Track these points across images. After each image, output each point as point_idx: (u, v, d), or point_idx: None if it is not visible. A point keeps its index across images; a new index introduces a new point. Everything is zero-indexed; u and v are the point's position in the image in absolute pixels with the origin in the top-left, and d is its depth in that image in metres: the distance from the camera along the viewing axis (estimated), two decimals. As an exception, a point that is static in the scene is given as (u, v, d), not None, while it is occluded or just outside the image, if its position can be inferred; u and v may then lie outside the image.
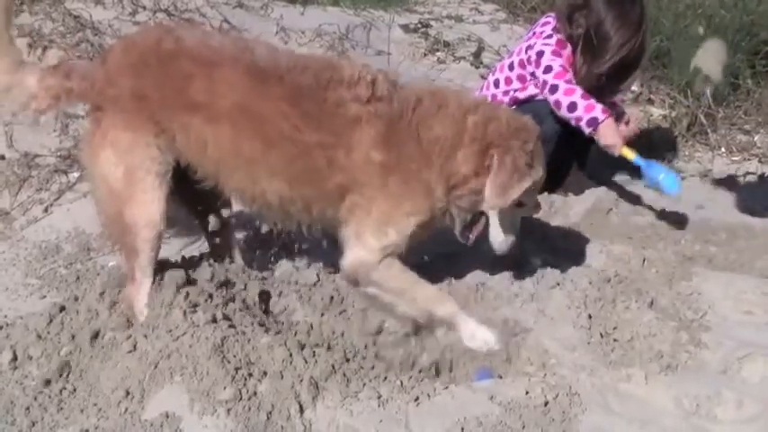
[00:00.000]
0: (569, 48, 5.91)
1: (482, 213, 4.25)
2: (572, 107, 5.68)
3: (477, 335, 4.11)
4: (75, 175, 5.71)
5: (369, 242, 4.02)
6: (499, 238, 4.29)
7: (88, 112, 4.21)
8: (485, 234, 4.31)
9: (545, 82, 5.80)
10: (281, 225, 4.24)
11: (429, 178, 4.00)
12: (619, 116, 6.42)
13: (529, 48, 6.00)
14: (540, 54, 5.88)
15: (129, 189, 3.97)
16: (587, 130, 5.70)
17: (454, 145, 4.02)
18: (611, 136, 5.69)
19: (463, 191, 4.09)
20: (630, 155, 5.73)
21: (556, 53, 5.87)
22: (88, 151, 4.12)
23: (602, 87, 6.02)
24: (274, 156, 3.91)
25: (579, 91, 5.71)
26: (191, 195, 4.29)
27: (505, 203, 4.12)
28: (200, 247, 4.86)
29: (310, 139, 3.87)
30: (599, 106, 5.67)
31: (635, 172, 6.92)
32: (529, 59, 5.95)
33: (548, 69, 5.80)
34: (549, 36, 5.96)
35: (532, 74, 5.96)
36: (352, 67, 4.07)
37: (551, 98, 5.77)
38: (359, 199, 3.99)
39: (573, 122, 5.73)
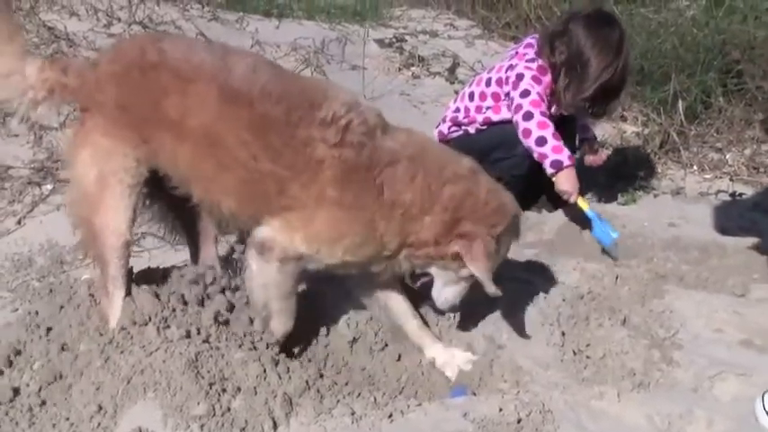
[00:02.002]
0: (549, 75, 5.92)
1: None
2: (541, 141, 5.70)
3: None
4: (49, 187, 5.69)
5: (296, 241, 3.88)
6: (441, 299, 4.20)
7: (76, 113, 4.17)
8: (430, 285, 4.23)
9: (519, 105, 5.78)
10: (235, 231, 4.22)
11: (383, 230, 3.90)
12: (590, 142, 6.49)
13: (510, 68, 5.99)
14: (520, 77, 5.87)
15: (99, 194, 3.95)
16: (549, 171, 5.73)
17: (422, 211, 3.92)
18: (570, 183, 5.73)
19: (418, 252, 4.01)
20: (584, 205, 5.79)
21: (536, 79, 5.87)
22: (70, 149, 4.11)
23: (587, 112, 6.07)
24: (226, 178, 3.88)
25: (551, 128, 5.73)
26: (175, 204, 4.28)
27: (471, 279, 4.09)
28: (177, 257, 4.84)
29: (265, 168, 3.81)
30: (566, 151, 5.71)
31: (607, 189, 7.00)
32: (507, 80, 5.95)
33: (525, 93, 5.80)
34: (532, 60, 5.96)
35: (507, 94, 5.95)
36: (331, 105, 3.91)
37: (522, 124, 5.75)
38: (301, 214, 3.88)
39: (535, 156, 5.75)
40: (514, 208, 4.13)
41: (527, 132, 5.74)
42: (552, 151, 5.66)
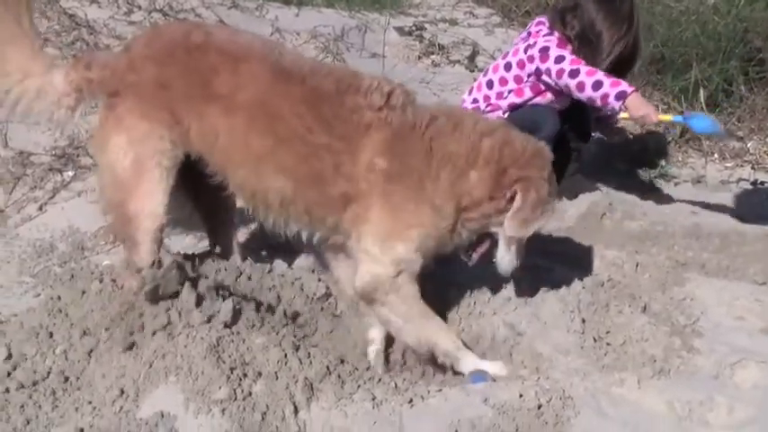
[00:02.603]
0: (570, 47, 5.90)
1: (488, 234, 4.20)
2: (597, 85, 5.58)
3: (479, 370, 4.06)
4: (70, 173, 5.71)
5: (377, 256, 3.96)
6: (505, 260, 4.21)
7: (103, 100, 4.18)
8: (488, 255, 4.25)
9: (562, 70, 5.68)
10: (279, 228, 4.19)
11: (434, 193, 3.94)
12: (606, 121, 6.47)
13: (529, 47, 5.94)
14: (545, 49, 5.80)
15: (135, 179, 3.98)
16: (617, 105, 5.60)
17: (469, 164, 3.98)
18: (642, 106, 5.66)
19: (474, 214, 4.03)
20: (667, 117, 5.77)
21: (561, 45, 5.84)
22: (99, 136, 4.14)
23: None
24: (283, 153, 3.91)
25: (600, 71, 5.64)
26: (197, 191, 4.29)
27: (527, 234, 4.10)
28: (198, 244, 4.86)
29: (320, 141, 3.87)
30: (624, 82, 5.61)
31: (628, 177, 6.97)
32: (531, 58, 5.87)
33: (560, 59, 5.71)
34: (549, 33, 5.94)
35: (534, 73, 5.90)
36: (372, 78, 4.07)
37: (573, 82, 5.64)
38: (361, 210, 3.94)
39: (599, 102, 5.64)
40: (550, 153, 4.21)
41: (581, 86, 5.62)
42: (612, 86, 5.55)
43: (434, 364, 4.13)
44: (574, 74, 5.67)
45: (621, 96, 5.55)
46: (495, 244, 4.19)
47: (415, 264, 4.00)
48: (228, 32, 4.21)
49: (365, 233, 3.97)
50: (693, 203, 6.57)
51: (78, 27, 7.04)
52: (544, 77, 5.83)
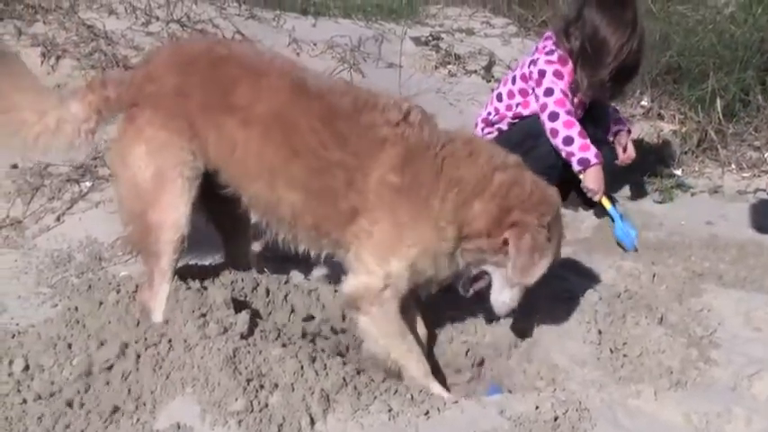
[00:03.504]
0: (570, 64, 5.96)
1: (486, 271, 4.17)
2: (568, 141, 5.79)
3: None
4: (88, 184, 5.73)
5: (371, 267, 3.95)
6: (498, 302, 4.17)
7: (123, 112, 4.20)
8: (486, 291, 4.20)
9: (545, 105, 5.88)
10: (288, 244, 4.20)
11: (439, 213, 3.92)
12: (622, 134, 6.46)
13: (532, 63, 6.09)
14: (542, 73, 5.96)
15: (157, 190, 3.99)
16: (576, 168, 5.82)
17: (475, 193, 3.95)
18: (596, 182, 5.81)
19: (471, 245, 4.01)
20: (607, 204, 5.81)
21: (558, 74, 5.93)
22: (118, 147, 4.15)
23: (605, 93, 6.08)
24: (296, 167, 3.92)
25: (578, 127, 5.80)
26: (213, 203, 4.30)
27: (531, 282, 4.04)
28: (215, 255, 4.86)
29: (333, 157, 3.88)
30: (593, 149, 5.77)
31: (645, 187, 6.97)
32: (530, 75, 6.04)
33: (548, 92, 5.89)
34: (551, 52, 6.02)
35: (533, 89, 6.02)
36: (390, 96, 4.10)
37: (548, 125, 5.85)
38: (366, 224, 3.94)
39: (563, 154, 5.83)
40: (558, 199, 4.17)
41: (554, 132, 5.83)
42: (579, 149, 5.73)
43: (396, 377, 4.10)
44: (552, 117, 5.85)
45: (584, 164, 5.77)
46: (490, 286, 4.17)
47: (403, 281, 3.98)
48: (252, 49, 4.26)
49: (364, 245, 3.95)
50: (710, 214, 6.54)
51: (96, 38, 7.08)
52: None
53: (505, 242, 3.94)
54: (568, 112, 5.81)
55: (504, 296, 4.13)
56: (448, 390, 4.15)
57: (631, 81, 6.33)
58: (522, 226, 3.93)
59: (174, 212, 3.99)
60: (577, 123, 5.82)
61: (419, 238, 3.92)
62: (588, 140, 5.78)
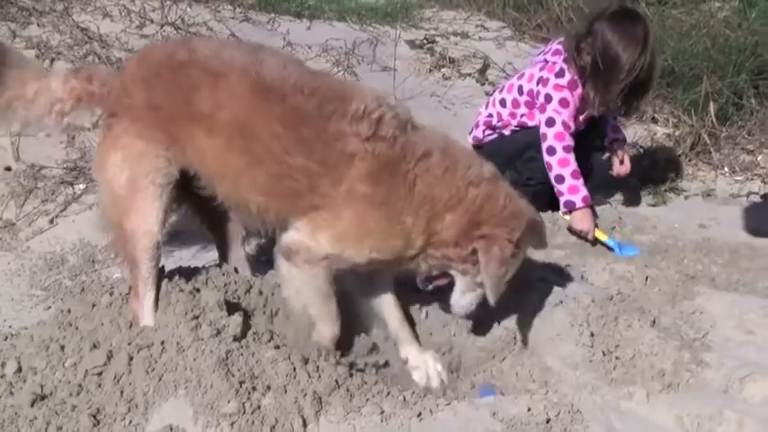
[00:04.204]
0: (580, 88, 5.94)
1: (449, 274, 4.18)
2: (559, 179, 5.83)
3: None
4: (81, 186, 5.74)
5: (321, 242, 3.90)
6: (459, 304, 4.19)
7: (103, 118, 4.20)
8: (447, 290, 4.22)
9: (545, 135, 5.90)
10: (259, 230, 4.21)
11: (410, 226, 3.90)
12: (619, 144, 6.47)
13: (540, 81, 6.02)
14: (549, 99, 5.93)
15: (130, 197, 3.98)
16: (562, 209, 5.87)
17: (447, 208, 3.93)
18: (584, 223, 5.80)
19: (437, 253, 4.00)
20: (603, 237, 5.79)
21: (564, 103, 5.90)
22: (98, 155, 4.16)
23: (618, 110, 6.09)
24: (258, 172, 3.89)
25: (572, 166, 5.82)
26: (205, 205, 4.30)
27: (501, 290, 4.01)
28: (207, 257, 4.87)
29: (296, 163, 3.82)
30: (582, 192, 5.79)
31: (638, 190, 6.98)
32: (538, 94, 6.01)
33: (550, 122, 5.89)
34: (561, 74, 5.96)
35: (539, 108, 6.01)
36: (363, 99, 3.94)
37: (545, 157, 5.89)
38: (326, 216, 3.89)
39: (556, 191, 5.88)
40: (531, 213, 4.15)
41: (549, 166, 5.87)
42: (568, 192, 5.77)
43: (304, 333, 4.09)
44: (550, 151, 5.88)
45: (569, 206, 5.81)
46: (452, 285, 4.18)
47: (343, 264, 3.96)
48: (213, 46, 4.17)
49: (324, 221, 3.89)
50: (703, 217, 6.55)
51: (91, 41, 7.09)
52: None
53: (473, 252, 3.95)
54: (566, 149, 5.82)
55: (464, 300, 4.16)
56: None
57: (645, 97, 6.31)
58: (491, 238, 3.93)
59: (146, 220, 3.98)
60: (572, 160, 5.83)
61: (380, 244, 3.91)
62: (580, 181, 5.81)
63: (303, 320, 4.04)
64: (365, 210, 3.85)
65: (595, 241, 5.78)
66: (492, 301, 4.05)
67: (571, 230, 5.84)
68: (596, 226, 5.82)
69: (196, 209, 4.41)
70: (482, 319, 4.45)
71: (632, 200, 6.89)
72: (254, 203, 3.97)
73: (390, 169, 3.85)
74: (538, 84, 6.03)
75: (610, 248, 5.72)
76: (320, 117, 3.84)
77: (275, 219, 4.01)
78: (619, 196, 6.88)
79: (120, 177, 3.98)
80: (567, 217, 5.85)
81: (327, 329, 4.06)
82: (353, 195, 3.83)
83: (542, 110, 5.94)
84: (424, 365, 4.25)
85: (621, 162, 6.44)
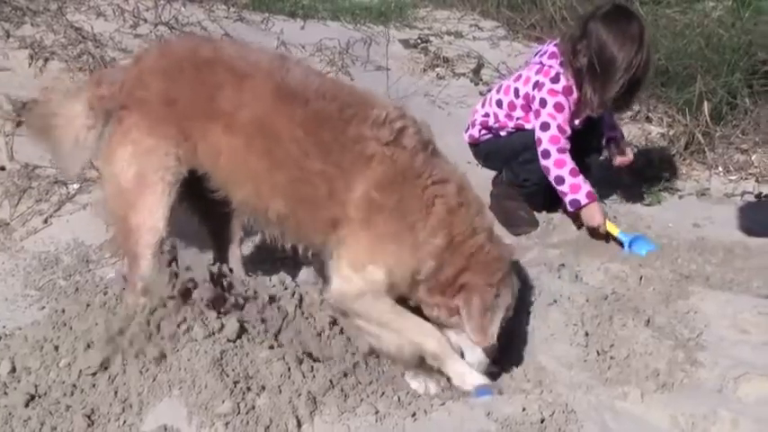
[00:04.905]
0: (575, 93, 5.92)
1: None
2: (559, 180, 5.82)
3: (466, 379, 4.04)
4: (75, 186, 5.72)
5: (347, 274, 3.93)
6: (478, 360, 4.13)
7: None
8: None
9: (540, 140, 5.89)
10: (277, 241, 4.20)
11: (422, 242, 3.91)
12: (618, 140, 6.47)
13: (536, 86, 5.99)
14: (543, 104, 5.91)
15: (137, 191, 4.00)
16: (569, 209, 5.86)
17: (458, 243, 3.95)
18: (594, 218, 5.79)
19: (431, 300, 4.04)
20: (614, 230, 5.78)
21: (558, 107, 5.88)
22: (106, 148, 4.17)
23: (612, 107, 6.08)
24: (278, 175, 3.90)
25: (569, 165, 5.81)
26: (203, 206, 4.30)
27: (491, 341, 4.05)
28: (205, 257, 4.86)
29: (314, 167, 3.84)
30: (585, 189, 5.78)
31: (632, 190, 6.97)
32: (533, 98, 5.99)
33: (545, 126, 5.87)
34: (557, 79, 5.94)
35: (534, 112, 5.99)
36: (385, 107, 3.99)
37: (542, 161, 5.88)
38: (347, 234, 3.92)
39: (560, 194, 5.87)
40: (512, 256, 4.23)
41: (546, 170, 5.87)
42: (570, 191, 5.76)
43: (424, 369, 4.09)
44: (545, 155, 5.86)
45: (575, 205, 5.80)
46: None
47: (384, 283, 3.95)
48: (238, 47, 4.19)
49: (344, 253, 3.94)
50: (697, 216, 6.55)
51: (84, 40, 7.06)
52: None
53: (457, 307, 3.97)
54: (560, 150, 5.81)
55: (477, 355, 4.12)
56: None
57: (639, 93, 6.31)
58: (470, 288, 3.95)
59: (153, 216, 4.00)
60: (569, 160, 5.82)
61: (396, 254, 3.91)
62: (580, 178, 5.80)
63: (407, 355, 4.02)
64: (378, 220, 3.86)
65: (608, 236, 5.78)
66: (487, 352, 4.09)
67: (586, 227, 5.87)
68: (608, 220, 5.84)
69: (196, 207, 4.41)
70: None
71: (627, 199, 6.88)
72: (273, 210, 3.98)
73: (406, 179, 3.86)
74: (534, 88, 6.01)
75: (620, 243, 5.72)
76: (340, 120, 3.88)
77: (295, 230, 4.02)
78: (613, 196, 6.86)
79: (127, 171, 4.01)
80: (580, 216, 5.85)
81: (429, 342, 4.03)
82: (367, 204, 3.85)
83: (537, 114, 5.92)
84: (423, 374, 4.19)
85: (623, 153, 6.44)
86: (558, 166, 5.79)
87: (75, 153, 4.24)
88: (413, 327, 4.04)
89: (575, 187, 5.75)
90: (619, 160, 6.47)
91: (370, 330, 4.03)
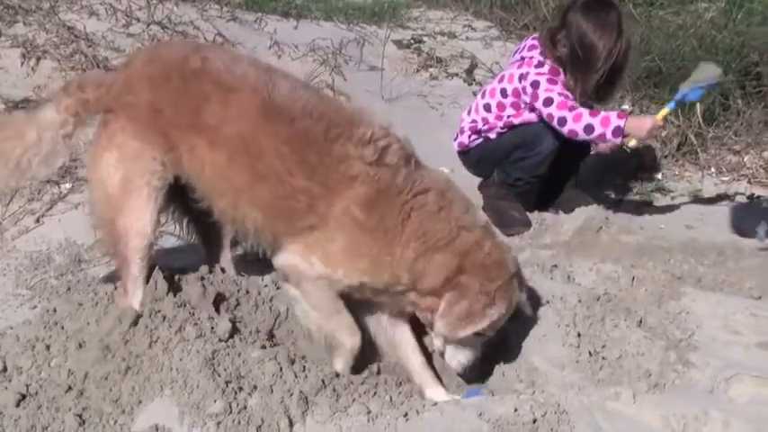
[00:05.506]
0: (562, 74, 5.95)
1: None
2: (588, 129, 5.73)
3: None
4: (67, 185, 5.71)
5: (314, 262, 3.89)
6: (454, 362, 4.11)
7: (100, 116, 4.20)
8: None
9: (551, 115, 5.83)
10: (255, 247, 4.20)
11: (398, 258, 3.87)
12: None
13: (522, 77, 6.01)
14: (536, 85, 5.91)
15: (123, 196, 3.99)
16: (618, 141, 5.82)
17: (437, 247, 3.90)
18: (641, 128, 5.82)
19: (422, 303, 4.00)
20: (665, 111, 5.98)
21: (551, 81, 5.89)
22: (92, 151, 4.15)
23: (595, 97, 6.09)
24: (260, 189, 3.89)
25: (585, 111, 5.76)
26: (192, 208, 4.29)
27: (455, 336, 3.98)
28: (194, 258, 4.85)
29: (299, 185, 3.82)
30: (612, 115, 5.74)
31: (625, 191, 6.99)
32: (524, 89, 5.98)
33: (548, 102, 5.84)
34: (541, 64, 5.98)
35: (530, 105, 5.97)
36: (370, 125, 3.96)
37: (564, 129, 5.81)
38: (322, 233, 3.88)
39: (597, 141, 5.89)
40: (516, 268, 4.12)
41: (573, 133, 5.80)
42: (603, 125, 5.70)
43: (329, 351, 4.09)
44: (562, 122, 5.80)
45: (618, 132, 5.70)
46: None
47: (341, 285, 3.95)
48: (227, 58, 4.13)
49: (317, 242, 3.89)
50: (690, 217, 6.57)
51: (77, 39, 7.06)
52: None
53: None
54: (571, 108, 5.78)
55: (458, 356, 4.10)
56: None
57: (620, 82, 6.33)
58: (462, 290, 3.90)
59: (139, 220, 4.00)
60: (582, 109, 5.79)
61: (370, 269, 3.89)
62: (601, 113, 5.76)
63: (322, 338, 4.04)
64: (357, 233, 3.84)
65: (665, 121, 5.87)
66: (452, 363, 4.10)
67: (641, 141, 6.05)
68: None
69: (183, 210, 4.40)
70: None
71: (619, 200, 6.89)
72: (251, 220, 3.98)
73: (388, 198, 3.85)
74: (520, 80, 6.04)
75: (679, 103, 5.84)
76: (326, 140, 3.85)
77: (271, 237, 4.00)
78: (605, 196, 6.87)
79: (114, 176, 3.99)
80: (632, 143, 5.94)
81: (346, 340, 4.04)
82: (347, 217, 3.82)
83: (535, 97, 5.90)
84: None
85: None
86: (577, 119, 5.74)
87: (50, 161, 4.22)
88: (343, 322, 4.04)
89: (605, 121, 5.70)
90: (601, 147, 6.49)
91: (303, 305, 4.02)
